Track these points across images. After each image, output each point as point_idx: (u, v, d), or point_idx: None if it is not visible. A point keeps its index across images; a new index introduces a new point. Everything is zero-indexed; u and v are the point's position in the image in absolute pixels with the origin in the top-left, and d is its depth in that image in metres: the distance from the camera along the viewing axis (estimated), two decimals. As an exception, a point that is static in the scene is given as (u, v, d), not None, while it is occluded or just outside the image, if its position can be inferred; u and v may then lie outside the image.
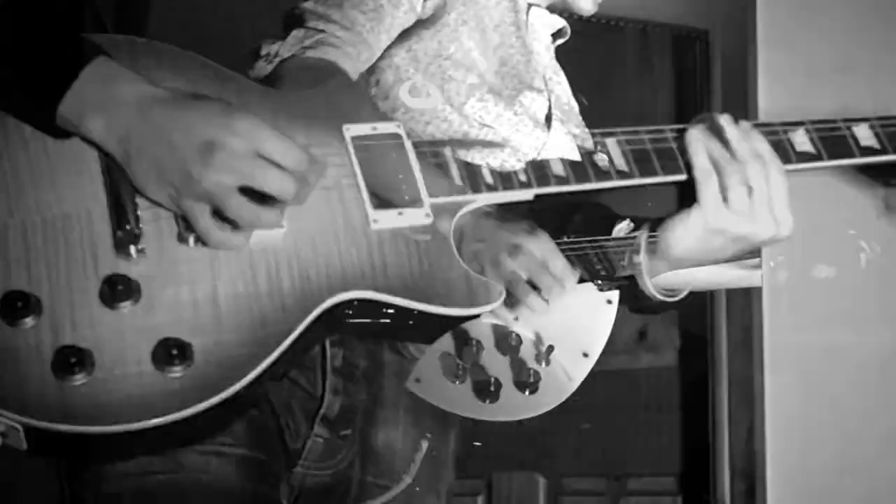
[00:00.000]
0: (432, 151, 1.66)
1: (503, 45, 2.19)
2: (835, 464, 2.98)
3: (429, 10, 2.13)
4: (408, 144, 1.63)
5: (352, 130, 1.63)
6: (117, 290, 1.46)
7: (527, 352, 1.92)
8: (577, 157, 1.88)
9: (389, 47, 2.11)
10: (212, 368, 1.45)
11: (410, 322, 1.56)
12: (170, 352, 1.43)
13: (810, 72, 3.28)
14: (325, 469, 1.78)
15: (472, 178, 1.65)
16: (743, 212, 1.68)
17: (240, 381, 1.45)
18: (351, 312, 1.55)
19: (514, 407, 1.90)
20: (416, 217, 1.58)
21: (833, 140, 1.80)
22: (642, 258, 1.76)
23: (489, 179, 1.65)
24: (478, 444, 2.23)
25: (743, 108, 3.28)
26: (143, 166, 1.51)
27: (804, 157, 1.78)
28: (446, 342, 1.86)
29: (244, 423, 1.65)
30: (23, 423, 1.41)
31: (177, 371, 1.44)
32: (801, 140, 1.78)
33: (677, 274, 1.86)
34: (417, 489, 1.92)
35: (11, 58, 1.54)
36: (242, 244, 1.51)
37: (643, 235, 1.77)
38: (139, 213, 1.52)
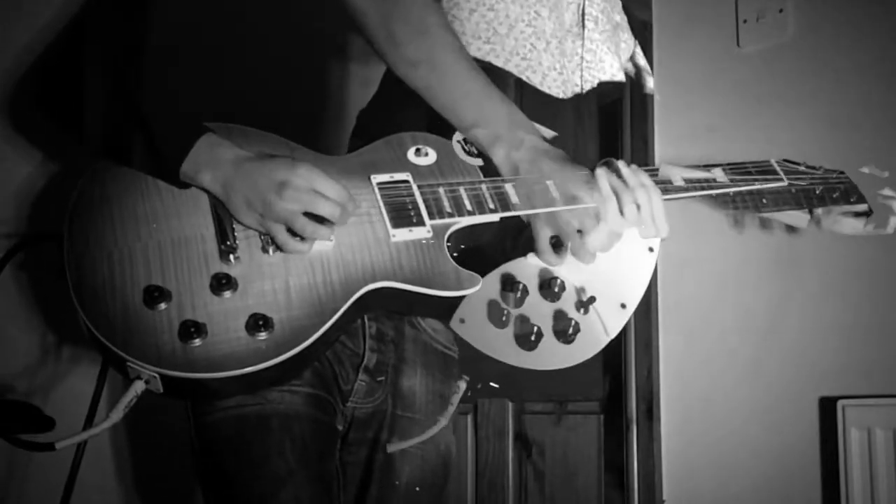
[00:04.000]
0: (431, 189, 1.64)
1: None
2: (705, 389, 2.96)
3: None
4: (414, 186, 1.64)
5: (376, 178, 1.64)
6: (222, 283, 1.48)
7: (568, 299, 1.63)
8: (619, 71, 1.85)
9: None
10: (286, 333, 1.46)
11: (418, 302, 1.56)
12: (258, 322, 1.45)
13: (689, 132, 3.26)
14: (368, 404, 1.77)
15: (458, 205, 1.63)
16: (633, 221, 1.66)
17: (305, 341, 1.47)
18: (379, 296, 1.55)
19: (550, 357, 1.58)
20: (421, 233, 1.59)
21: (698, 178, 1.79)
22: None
23: (469, 207, 1.63)
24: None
25: (644, 157, 3.25)
26: (238, 202, 1.53)
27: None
28: (493, 284, 1.61)
29: (309, 371, 1.64)
30: (159, 373, 1.42)
31: (262, 335, 1.45)
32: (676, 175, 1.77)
33: None
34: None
35: (151, 136, 1.57)
36: (307, 250, 1.52)
37: None
38: (236, 234, 1.54)
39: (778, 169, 1.88)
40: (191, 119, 1.59)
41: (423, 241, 1.58)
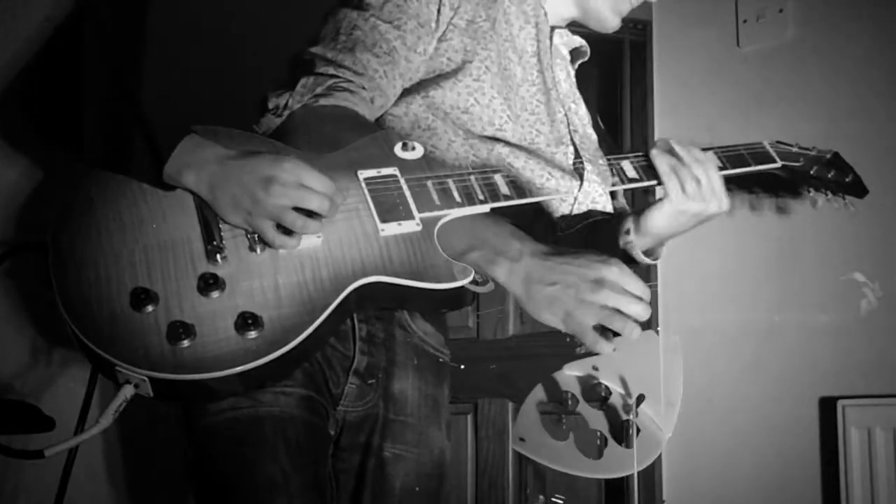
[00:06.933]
0: (419, 182, 1.61)
1: (525, 81, 1.85)
2: (705, 389, 2.93)
3: (452, 64, 1.77)
4: (402, 180, 1.60)
5: (363, 174, 1.60)
6: (209, 283, 1.45)
7: (616, 402, 1.60)
8: (608, 201, 1.86)
9: (406, 94, 1.77)
10: (277, 331, 1.43)
11: (410, 296, 1.53)
12: (247, 321, 1.41)
13: (689, 132, 3.24)
14: (359, 407, 1.72)
15: (446, 197, 1.60)
16: (696, 196, 1.69)
17: (296, 339, 1.43)
18: (370, 292, 1.52)
19: (619, 463, 1.53)
20: (410, 226, 1.55)
21: None
22: (633, 237, 1.70)
23: (458, 198, 1.60)
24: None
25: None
26: (224, 201, 1.50)
27: None
28: (539, 394, 1.59)
29: (301, 372, 1.60)
30: (149, 376, 1.39)
31: (252, 334, 1.41)
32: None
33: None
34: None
35: (132, 142, 1.55)
36: (297, 245, 1.49)
37: (630, 222, 1.71)
38: (222, 233, 1.51)
39: (771, 151, 1.87)
40: (173, 121, 1.57)
41: (413, 235, 1.54)
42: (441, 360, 1.84)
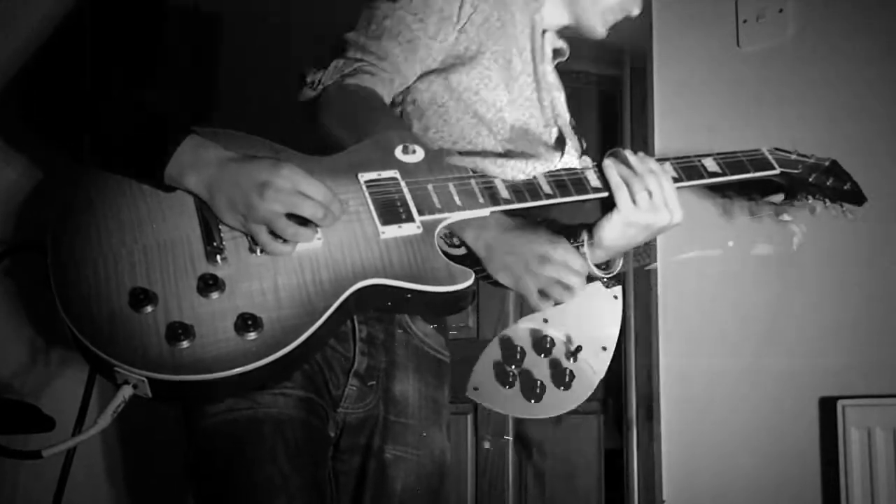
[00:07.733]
0: (419, 185, 1.61)
1: (523, 73, 1.96)
2: (705, 389, 2.93)
3: (469, 53, 1.87)
4: (402, 183, 1.60)
5: (364, 176, 1.60)
6: (209, 284, 1.45)
7: (559, 352, 1.80)
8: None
9: (430, 73, 1.88)
10: (276, 333, 1.42)
11: (410, 298, 1.53)
12: (246, 322, 1.41)
13: (689, 130, 3.24)
14: (359, 409, 1.72)
15: (447, 200, 1.60)
16: (647, 208, 1.67)
17: (296, 340, 1.43)
18: (370, 294, 1.51)
19: (555, 404, 1.78)
20: (410, 229, 1.55)
21: (689, 168, 1.78)
22: (586, 249, 1.68)
23: (458, 202, 1.60)
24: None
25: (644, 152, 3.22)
26: (222, 203, 1.50)
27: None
28: (494, 349, 1.82)
29: (301, 374, 1.60)
30: (147, 377, 1.38)
31: (252, 335, 1.41)
32: (668, 169, 1.75)
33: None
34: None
35: (133, 143, 1.55)
36: (290, 252, 1.49)
37: (584, 234, 1.70)
38: (222, 234, 1.50)
39: (770, 158, 1.86)
40: (175, 122, 1.56)
41: (413, 237, 1.54)
42: (442, 360, 1.85)
